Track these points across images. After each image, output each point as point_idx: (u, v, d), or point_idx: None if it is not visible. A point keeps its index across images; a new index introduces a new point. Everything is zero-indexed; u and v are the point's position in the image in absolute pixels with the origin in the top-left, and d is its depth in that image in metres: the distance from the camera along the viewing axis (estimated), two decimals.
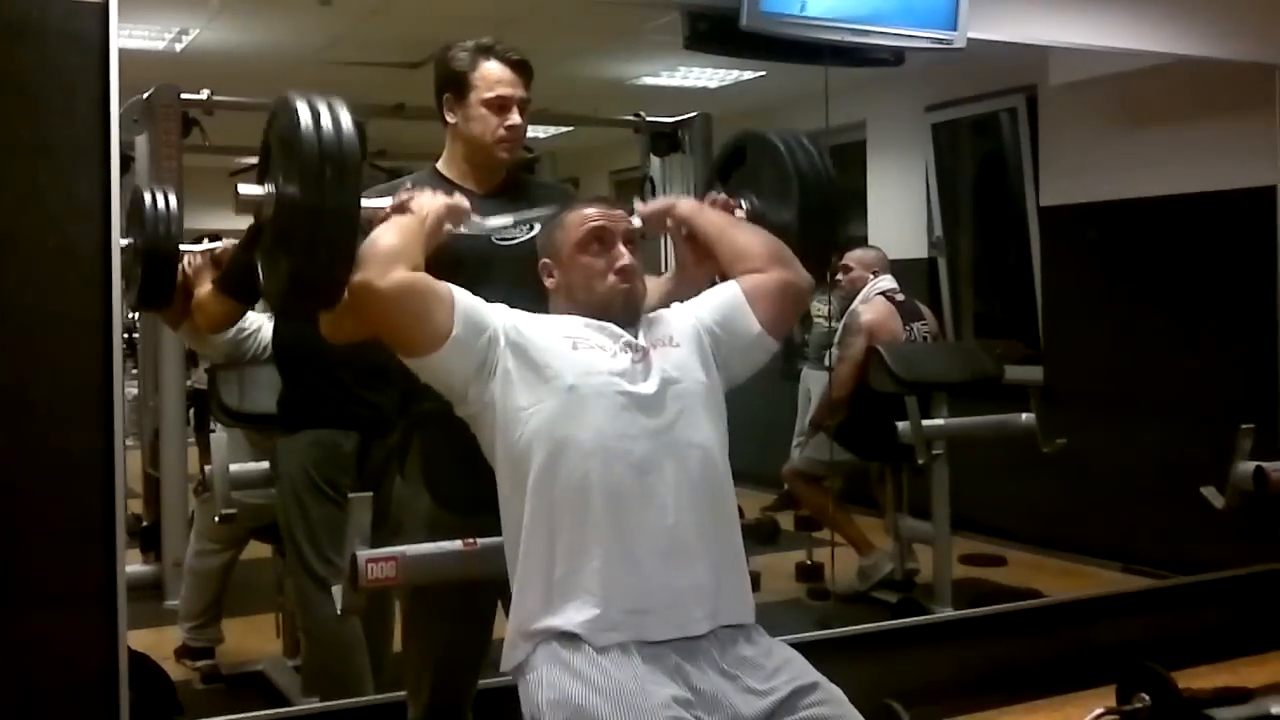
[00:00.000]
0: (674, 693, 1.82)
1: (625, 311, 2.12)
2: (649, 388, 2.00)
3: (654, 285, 2.31)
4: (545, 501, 1.95)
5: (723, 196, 2.43)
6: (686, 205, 2.33)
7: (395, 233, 2.06)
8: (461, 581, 2.30)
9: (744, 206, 2.44)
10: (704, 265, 2.32)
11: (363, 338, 2.16)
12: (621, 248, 2.13)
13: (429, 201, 2.15)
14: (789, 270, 2.23)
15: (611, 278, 2.11)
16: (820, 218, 2.46)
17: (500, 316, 2.06)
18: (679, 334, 2.11)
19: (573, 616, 1.88)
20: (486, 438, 2.07)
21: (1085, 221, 5.09)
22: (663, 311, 2.19)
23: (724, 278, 2.26)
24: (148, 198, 3.15)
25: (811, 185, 2.46)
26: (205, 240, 3.40)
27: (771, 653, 1.95)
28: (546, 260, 2.17)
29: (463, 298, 2.04)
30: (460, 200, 2.21)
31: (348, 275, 2.01)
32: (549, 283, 2.17)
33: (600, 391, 1.98)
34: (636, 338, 2.08)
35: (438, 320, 2.01)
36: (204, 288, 3.31)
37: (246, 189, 2.12)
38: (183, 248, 3.30)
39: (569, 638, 1.87)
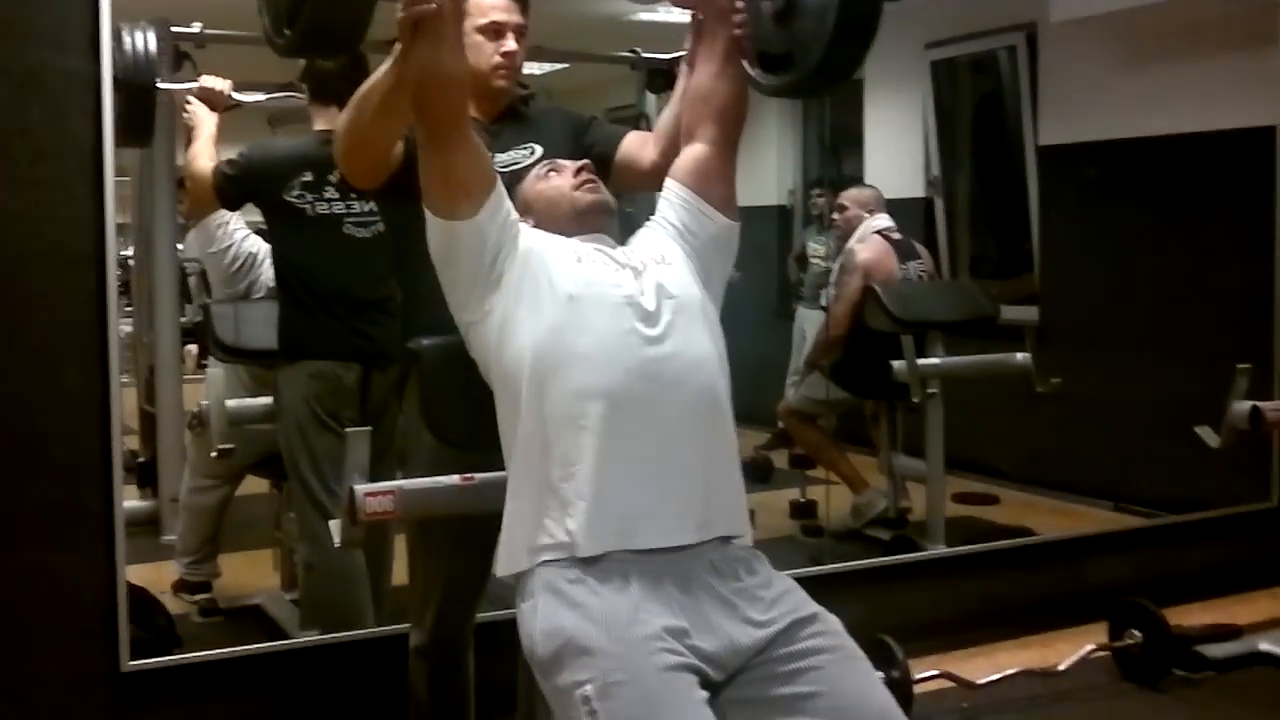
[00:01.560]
0: (668, 623, 1.82)
1: (600, 214, 2.16)
2: (649, 302, 2.01)
3: (666, 115, 2.38)
4: (540, 409, 1.95)
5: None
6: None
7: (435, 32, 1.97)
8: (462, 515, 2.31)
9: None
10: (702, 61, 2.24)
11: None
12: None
13: None
14: (723, 115, 2.18)
15: (575, 193, 2.15)
16: (864, 6, 2.11)
17: (517, 221, 2.08)
18: (668, 253, 2.12)
19: (566, 524, 1.88)
20: (482, 351, 2.06)
21: (1084, 161, 5.07)
22: (641, 234, 2.19)
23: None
24: (125, 35, 3.18)
25: None
26: None
27: (771, 583, 1.95)
28: (521, 211, 2.17)
29: (500, 183, 2.06)
30: None
31: (366, 20, 1.97)
32: (530, 224, 2.16)
33: (600, 300, 1.98)
34: (630, 258, 2.09)
35: (484, 166, 2.05)
36: (204, 137, 3.35)
37: None
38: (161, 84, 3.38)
39: (566, 561, 1.87)
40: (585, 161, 2.23)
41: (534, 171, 2.25)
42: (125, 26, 3.29)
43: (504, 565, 1.99)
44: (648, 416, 1.94)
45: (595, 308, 1.98)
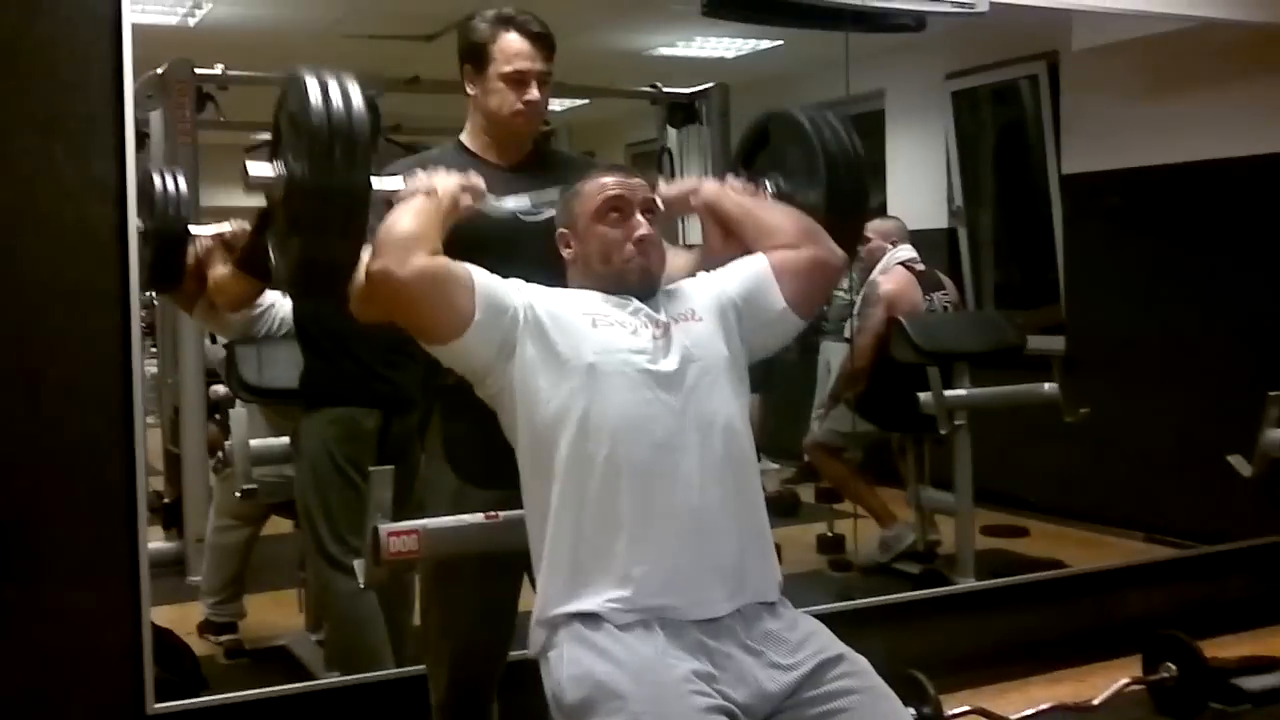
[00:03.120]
0: (695, 667, 1.80)
1: (642, 283, 2.08)
2: (670, 364, 1.97)
3: (677, 259, 2.27)
4: (569, 484, 1.93)
5: (743, 183, 2.35)
6: (711, 188, 2.28)
7: (412, 216, 2.02)
8: (483, 557, 2.29)
9: (769, 189, 2.38)
10: (729, 245, 2.26)
11: (388, 320, 2.15)
12: (639, 217, 2.08)
13: (444, 181, 2.11)
14: (820, 247, 2.18)
15: (629, 248, 2.07)
16: (850, 197, 2.39)
17: (519, 295, 2.03)
18: (701, 307, 2.08)
19: (597, 599, 1.87)
20: (507, 420, 2.05)
21: (1108, 189, 5.05)
22: (684, 283, 2.16)
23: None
24: (156, 179, 3.15)
25: (840, 164, 2.38)
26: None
27: (796, 625, 1.93)
28: (564, 230, 2.15)
29: (483, 280, 2.01)
30: (476, 179, 2.16)
31: (358, 256, 1.98)
32: (567, 253, 2.14)
33: (620, 369, 1.95)
34: (657, 312, 2.05)
35: (459, 306, 1.98)
36: (220, 269, 3.30)
37: (256, 168, 2.07)
38: (194, 230, 3.30)
39: (592, 617, 1.86)
40: (648, 232, 2.09)
41: (601, 194, 2.10)
42: (156, 170, 3.25)
43: (534, 643, 1.96)
44: (677, 488, 1.92)
45: (617, 377, 1.95)
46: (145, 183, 3.08)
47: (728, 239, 2.26)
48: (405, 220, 2.01)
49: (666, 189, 2.26)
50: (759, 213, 2.24)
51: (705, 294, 2.12)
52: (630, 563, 1.87)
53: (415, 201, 2.06)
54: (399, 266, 1.94)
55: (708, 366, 2.00)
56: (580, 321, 2.00)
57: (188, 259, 3.32)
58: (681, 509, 1.91)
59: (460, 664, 2.42)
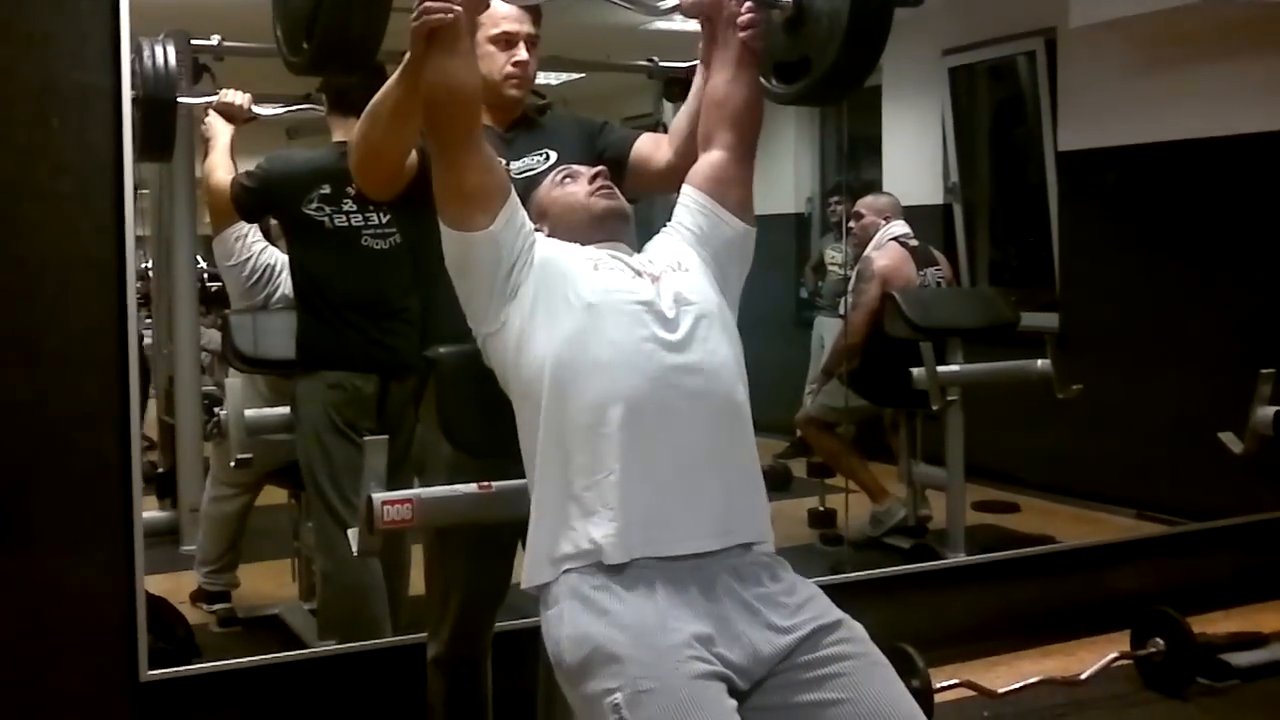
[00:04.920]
0: (696, 630, 1.82)
1: (616, 220, 2.15)
2: (667, 309, 2.00)
3: (680, 117, 2.38)
4: (561, 419, 1.94)
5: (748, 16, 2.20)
6: (734, 5, 2.19)
7: (448, 44, 1.98)
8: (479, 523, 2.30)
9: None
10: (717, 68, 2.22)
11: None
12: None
13: None
14: (738, 120, 2.18)
15: (591, 199, 2.15)
16: (875, 7, 2.10)
17: (531, 236, 2.07)
18: (685, 259, 2.11)
19: (591, 532, 1.88)
20: (499, 363, 2.06)
21: (1104, 166, 5.05)
22: (660, 241, 2.18)
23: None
24: (145, 47, 3.17)
25: None
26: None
27: (795, 589, 1.94)
28: (535, 213, 2.18)
29: (515, 198, 2.06)
30: None
31: (380, 27, 1.96)
32: (545, 231, 2.16)
33: (619, 307, 1.98)
34: (648, 265, 2.08)
35: (497, 179, 2.04)
36: (219, 173, 3.35)
37: None
38: (184, 99, 3.40)
39: (591, 569, 1.87)
40: (601, 168, 2.23)
41: (549, 178, 2.25)
42: (145, 41, 3.30)
43: (528, 577, 1.97)
44: (669, 423, 1.93)
45: (614, 315, 1.97)
46: (135, 51, 3.06)
47: (715, 63, 2.23)
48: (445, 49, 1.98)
49: None
50: (740, 72, 2.19)
51: (683, 247, 2.15)
52: (624, 494, 1.88)
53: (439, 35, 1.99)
54: (464, 73, 1.99)
55: (702, 311, 2.03)
56: (583, 265, 2.04)
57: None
58: (672, 443, 1.93)
59: (463, 618, 2.44)
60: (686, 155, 2.29)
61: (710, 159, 2.19)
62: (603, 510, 1.89)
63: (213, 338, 4.49)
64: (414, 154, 2.28)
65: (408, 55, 2.04)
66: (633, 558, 1.87)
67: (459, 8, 1.96)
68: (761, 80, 2.21)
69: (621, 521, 1.88)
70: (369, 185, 2.38)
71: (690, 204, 2.18)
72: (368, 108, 2.20)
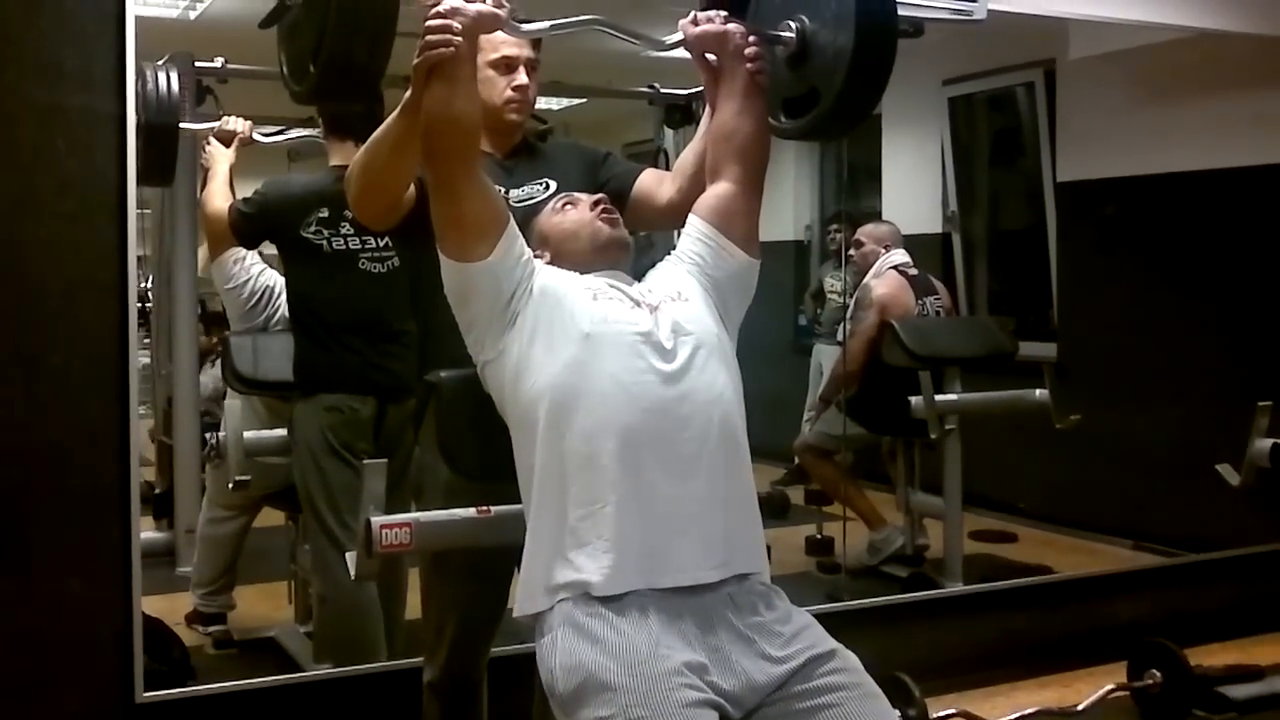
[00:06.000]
0: (687, 658, 1.82)
1: (617, 249, 2.16)
2: (666, 339, 2.00)
3: (686, 154, 2.38)
4: (557, 449, 1.94)
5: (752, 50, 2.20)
6: (739, 39, 2.20)
7: (449, 73, 1.98)
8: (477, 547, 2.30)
9: (793, 27, 2.19)
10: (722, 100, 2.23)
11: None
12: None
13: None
14: (745, 152, 2.18)
15: (593, 226, 2.15)
16: (880, 39, 2.11)
17: (529, 265, 2.07)
18: (685, 289, 2.12)
19: (587, 564, 1.88)
20: (497, 390, 2.06)
21: (1102, 197, 5.07)
22: (661, 270, 2.19)
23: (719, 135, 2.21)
24: (149, 73, 3.18)
25: (874, 5, 2.12)
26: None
27: (789, 618, 1.94)
28: (536, 240, 2.18)
29: (513, 227, 2.05)
30: (489, 6, 2.05)
31: (383, 58, 1.98)
32: (545, 258, 2.16)
33: (616, 338, 1.98)
34: (646, 295, 2.08)
35: (496, 210, 2.04)
36: (216, 200, 3.37)
37: None
38: (187, 125, 3.46)
39: (585, 597, 1.87)
40: (602, 195, 2.23)
41: (550, 205, 2.25)
42: (149, 66, 3.32)
43: (522, 605, 1.97)
44: (664, 455, 1.93)
45: (611, 346, 1.97)
46: (138, 77, 3.08)
47: (721, 97, 2.23)
48: (444, 78, 1.98)
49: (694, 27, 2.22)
50: (747, 104, 2.20)
51: (685, 276, 2.15)
52: (620, 526, 1.88)
53: (442, 68, 1.98)
54: (463, 104, 1.98)
55: (701, 342, 2.03)
56: (582, 295, 2.04)
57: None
58: (669, 475, 1.93)
59: (459, 641, 2.43)
60: (690, 193, 2.29)
61: (718, 190, 2.19)
62: (597, 542, 1.89)
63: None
64: (411, 186, 2.28)
65: (408, 92, 2.05)
66: (628, 590, 1.87)
67: (460, 40, 1.96)
68: (770, 119, 2.23)
69: (616, 554, 1.87)
70: (367, 217, 2.38)
71: (695, 234, 2.19)
72: (368, 142, 2.21)
